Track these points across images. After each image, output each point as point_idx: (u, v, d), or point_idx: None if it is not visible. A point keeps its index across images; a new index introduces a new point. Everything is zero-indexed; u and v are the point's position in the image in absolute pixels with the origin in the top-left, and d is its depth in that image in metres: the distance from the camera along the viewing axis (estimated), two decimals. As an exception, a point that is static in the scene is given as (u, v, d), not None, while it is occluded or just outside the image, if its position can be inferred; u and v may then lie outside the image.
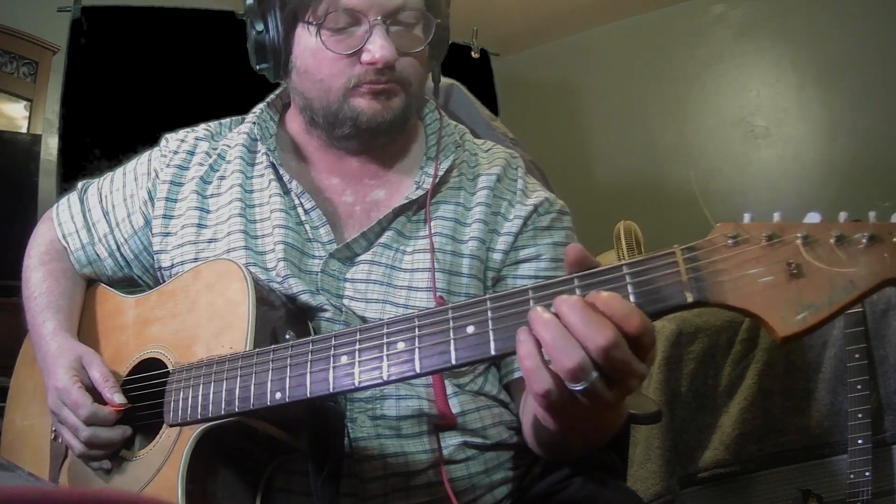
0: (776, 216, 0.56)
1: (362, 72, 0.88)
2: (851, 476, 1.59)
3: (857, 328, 1.69)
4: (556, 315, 0.59)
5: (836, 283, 0.52)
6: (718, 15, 3.91)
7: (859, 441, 1.60)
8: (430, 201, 0.93)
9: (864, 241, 0.52)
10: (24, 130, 3.14)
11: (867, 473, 1.57)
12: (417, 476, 0.86)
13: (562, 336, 0.57)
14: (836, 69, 3.49)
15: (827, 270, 0.52)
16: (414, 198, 0.93)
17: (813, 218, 0.55)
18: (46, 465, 0.94)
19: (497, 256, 0.94)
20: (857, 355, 1.66)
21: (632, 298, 0.58)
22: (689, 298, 0.56)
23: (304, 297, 0.88)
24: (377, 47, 0.86)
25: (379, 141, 0.94)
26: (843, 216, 0.54)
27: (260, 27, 0.92)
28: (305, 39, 0.90)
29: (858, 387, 1.63)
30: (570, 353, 0.57)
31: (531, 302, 0.61)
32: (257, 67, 0.96)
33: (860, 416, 1.61)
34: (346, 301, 0.90)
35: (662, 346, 1.85)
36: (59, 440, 0.92)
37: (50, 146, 3.00)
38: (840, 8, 3.48)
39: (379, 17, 0.86)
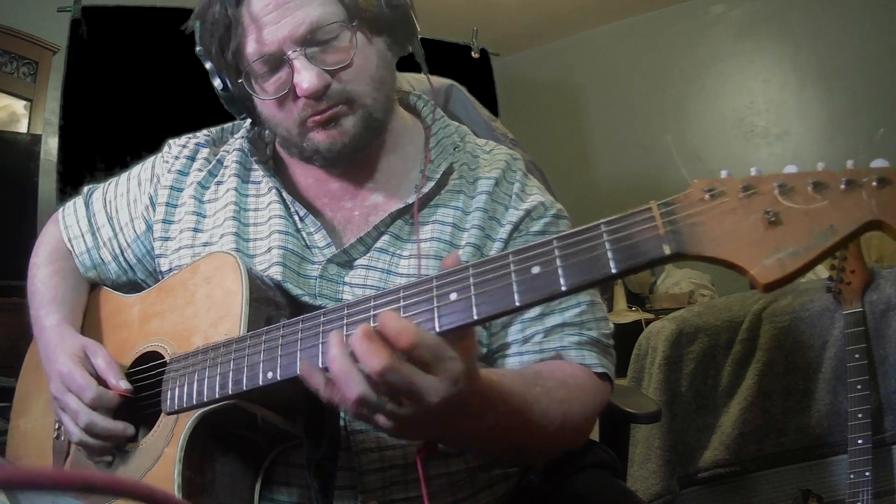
0: (753, 170, 0.55)
1: (302, 107, 0.86)
2: (851, 476, 1.59)
3: (857, 328, 1.68)
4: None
5: (816, 228, 0.51)
6: (718, 15, 3.91)
7: (859, 441, 1.59)
8: (417, 214, 0.92)
9: (843, 186, 0.51)
10: (24, 130, 3.14)
11: (867, 473, 1.57)
12: (415, 469, 0.86)
13: (343, 370, 0.62)
14: (836, 69, 3.49)
15: (805, 216, 0.52)
16: (411, 202, 0.92)
17: (790, 169, 0.54)
18: (50, 464, 0.94)
19: None
20: (857, 355, 1.66)
21: (610, 255, 0.58)
22: (667, 251, 0.55)
23: (305, 300, 0.88)
24: (302, 79, 0.83)
25: (358, 157, 0.93)
26: (820, 165, 0.53)
27: (219, 85, 0.93)
28: (250, 93, 0.91)
29: (858, 387, 1.63)
30: (350, 387, 0.62)
31: (511, 265, 0.62)
32: (239, 118, 0.98)
33: (860, 416, 1.61)
34: None
35: (662, 347, 1.85)
36: (62, 438, 0.92)
37: (50, 146, 3.00)
38: (840, 8, 3.49)
39: (295, 48, 0.84)
